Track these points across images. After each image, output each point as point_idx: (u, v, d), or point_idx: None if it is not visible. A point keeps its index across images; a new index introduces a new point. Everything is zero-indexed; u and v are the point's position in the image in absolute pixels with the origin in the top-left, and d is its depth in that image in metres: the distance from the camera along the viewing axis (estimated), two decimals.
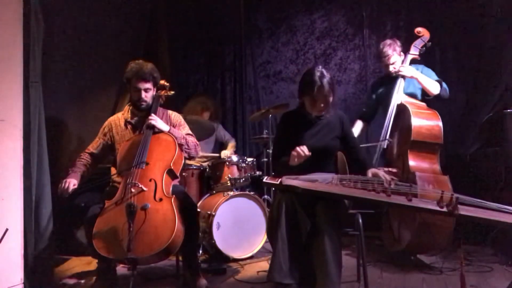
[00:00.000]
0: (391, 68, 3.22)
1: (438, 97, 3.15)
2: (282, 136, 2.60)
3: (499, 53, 3.68)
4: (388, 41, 3.24)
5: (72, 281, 2.75)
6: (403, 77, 3.15)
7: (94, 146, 2.71)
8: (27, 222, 2.48)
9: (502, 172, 3.18)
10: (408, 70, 3.13)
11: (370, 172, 2.37)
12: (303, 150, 2.26)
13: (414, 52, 3.22)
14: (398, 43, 3.24)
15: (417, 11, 4.16)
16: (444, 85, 3.17)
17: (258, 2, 4.78)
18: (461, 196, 1.86)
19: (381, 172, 2.34)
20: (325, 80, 2.33)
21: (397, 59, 3.21)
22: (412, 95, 3.19)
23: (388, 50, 3.19)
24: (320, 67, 2.40)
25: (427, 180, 2.76)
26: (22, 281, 2.42)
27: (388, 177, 2.26)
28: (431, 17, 4.03)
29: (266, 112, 3.89)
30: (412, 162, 2.88)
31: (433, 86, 3.12)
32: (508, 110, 3.19)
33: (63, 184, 2.45)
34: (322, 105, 2.39)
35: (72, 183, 2.47)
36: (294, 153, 2.28)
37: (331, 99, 2.40)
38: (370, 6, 4.33)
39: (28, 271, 2.46)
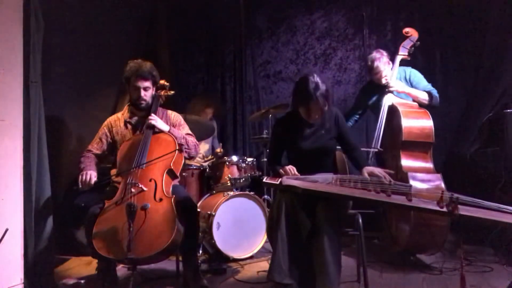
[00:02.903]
0: (384, 81, 3.22)
1: (429, 105, 3.13)
2: (277, 142, 2.62)
3: (499, 53, 3.68)
4: (376, 55, 3.23)
5: (72, 281, 2.75)
6: (392, 92, 3.15)
7: (95, 147, 2.69)
8: (27, 222, 2.48)
9: (502, 172, 3.18)
10: (399, 85, 3.16)
11: (365, 171, 2.36)
12: (291, 170, 2.31)
13: (403, 52, 3.25)
14: (385, 53, 3.26)
15: (417, 11, 4.16)
16: (434, 93, 3.16)
17: (258, 2, 4.78)
18: (461, 196, 1.86)
19: (377, 169, 2.34)
20: (319, 93, 2.29)
21: (388, 71, 3.22)
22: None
23: (380, 65, 3.20)
24: (315, 75, 2.33)
25: (420, 180, 2.77)
26: (22, 281, 2.42)
27: (384, 172, 2.28)
28: (431, 17, 4.04)
29: (266, 112, 3.89)
30: (404, 162, 2.90)
31: (423, 98, 3.13)
32: (508, 110, 3.19)
33: (83, 177, 2.41)
34: (317, 116, 2.40)
35: (93, 175, 2.44)
36: (282, 171, 2.33)
37: (326, 108, 2.39)
38: (370, 6, 4.33)
39: (28, 271, 2.46)
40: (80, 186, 2.42)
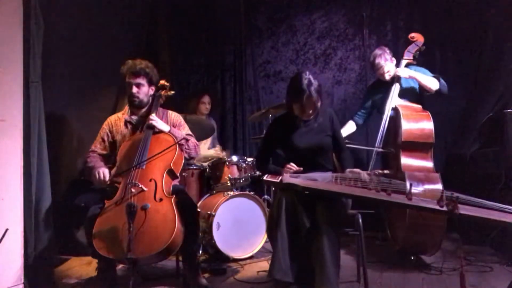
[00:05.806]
0: (387, 77, 3.32)
1: (438, 92, 3.19)
2: (269, 140, 2.64)
3: (498, 53, 3.68)
4: (378, 52, 3.34)
5: (72, 281, 2.75)
6: (400, 78, 3.24)
7: (99, 147, 2.68)
8: (27, 222, 2.48)
9: (502, 172, 3.19)
10: (405, 71, 3.23)
11: (348, 172, 2.35)
12: (292, 167, 2.33)
13: (407, 57, 3.34)
14: (387, 50, 3.35)
15: (417, 11, 4.16)
16: (442, 80, 3.21)
17: (258, 2, 4.78)
18: (461, 196, 1.86)
19: (358, 170, 2.34)
20: (313, 88, 2.35)
21: (390, 67, 3.31)
22: (411, 90, 3.28)
23: (381, 61, 3.30)
24: (307, 73, 2.40)
25: (417, 179, 2.78)
26: (22, 281, 2.43)
27: (367, 176, 2.24)
28: (431, 17, 4.04)
29: (266, 112, 3.89)
30: (404, 162, 2.95)
31: (432, 83, 3.17)
32: (508, 110, 3.20)
33: (97, 175, 2.43)
34: (310, 111, 2.42)
35: (106, 171, 2.46)
36: (284, 170, 2.36)
37: (319, 104, 2.42)
38: (370, 6, 4.33)
39: (28, 271, 2.46)
40: (97, 184, 2.44)
